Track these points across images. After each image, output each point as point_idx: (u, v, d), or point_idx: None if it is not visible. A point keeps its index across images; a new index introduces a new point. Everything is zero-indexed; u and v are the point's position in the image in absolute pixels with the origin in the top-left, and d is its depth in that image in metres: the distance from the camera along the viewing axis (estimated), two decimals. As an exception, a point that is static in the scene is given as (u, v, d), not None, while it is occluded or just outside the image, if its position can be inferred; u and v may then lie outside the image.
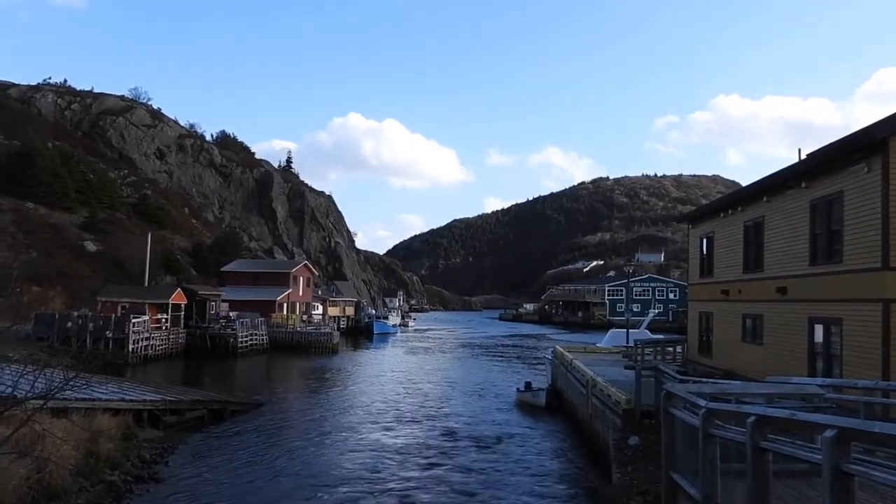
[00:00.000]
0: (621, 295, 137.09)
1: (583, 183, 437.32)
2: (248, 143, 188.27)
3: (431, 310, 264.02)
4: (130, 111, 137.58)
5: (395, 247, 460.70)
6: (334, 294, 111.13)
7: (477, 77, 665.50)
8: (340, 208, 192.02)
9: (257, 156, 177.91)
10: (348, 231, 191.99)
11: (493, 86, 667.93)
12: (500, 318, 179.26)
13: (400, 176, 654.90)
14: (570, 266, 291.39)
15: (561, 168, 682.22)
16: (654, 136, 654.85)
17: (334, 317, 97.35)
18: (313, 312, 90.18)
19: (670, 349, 32.22)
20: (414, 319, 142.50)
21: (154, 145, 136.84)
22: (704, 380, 15.72)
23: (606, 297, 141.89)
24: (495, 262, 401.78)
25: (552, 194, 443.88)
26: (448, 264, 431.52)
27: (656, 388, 18.45)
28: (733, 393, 10.40)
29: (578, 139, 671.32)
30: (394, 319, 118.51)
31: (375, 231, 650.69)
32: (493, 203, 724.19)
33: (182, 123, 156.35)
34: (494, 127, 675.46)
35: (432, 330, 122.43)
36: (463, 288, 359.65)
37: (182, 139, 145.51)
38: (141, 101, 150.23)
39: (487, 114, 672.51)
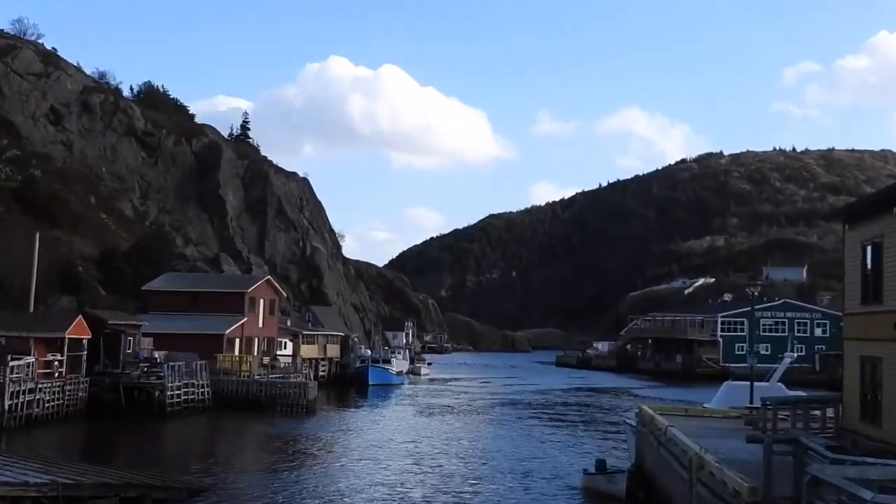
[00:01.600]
0: (742, 330, 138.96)
1: (683, 162, 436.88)
2: (184, 100, 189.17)
3: (455, 349, 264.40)
4: (11, 53, 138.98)
5: (402, 255, 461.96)
6: (311, 325, 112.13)
7: (517, 5, 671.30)
8: (320, 198, 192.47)
9: (198, 119, 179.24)
10: (332, 232, 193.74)
11: (541, 18, 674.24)
12: (558, 364, 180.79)
13: (405, 151, 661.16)
14: (664, 286, 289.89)
15: (645, 140, 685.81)
16: (786, 93, 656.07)
17: (310, 359, 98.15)
18: (279, 353, 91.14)
19: (817, 413, 32.33)
20: (429, 364, 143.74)
21: (46, 103, 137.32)
22: (870, 460, 15.58)
23: (719, 334, 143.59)
24: (550, 278, 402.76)
25: (636, 178, 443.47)
26: (480, 282, 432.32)
27: (796, 471, 18.51)
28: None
29: (670, 96, 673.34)
30: (399, 364, 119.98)
31: (371, 232, 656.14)
32: (546, 191, 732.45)
33: (88, 71, 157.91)
34: (545, 79, 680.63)
35: (457, 380, 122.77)
36: (502, 317, 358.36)
37: (87, 94, 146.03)
38: (28, 37, 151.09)
39: (534, 60, 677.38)
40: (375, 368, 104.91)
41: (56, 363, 57.75)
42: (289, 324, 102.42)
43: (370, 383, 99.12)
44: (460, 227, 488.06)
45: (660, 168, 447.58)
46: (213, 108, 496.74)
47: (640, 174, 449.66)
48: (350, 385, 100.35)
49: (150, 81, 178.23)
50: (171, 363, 64.47)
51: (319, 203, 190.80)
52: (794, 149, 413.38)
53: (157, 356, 68.54)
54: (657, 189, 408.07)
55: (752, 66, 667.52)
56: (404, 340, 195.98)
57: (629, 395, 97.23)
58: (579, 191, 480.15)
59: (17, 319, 59.44)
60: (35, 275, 67.65)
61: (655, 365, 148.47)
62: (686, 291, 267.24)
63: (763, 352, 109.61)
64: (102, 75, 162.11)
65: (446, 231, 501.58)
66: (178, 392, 62.82)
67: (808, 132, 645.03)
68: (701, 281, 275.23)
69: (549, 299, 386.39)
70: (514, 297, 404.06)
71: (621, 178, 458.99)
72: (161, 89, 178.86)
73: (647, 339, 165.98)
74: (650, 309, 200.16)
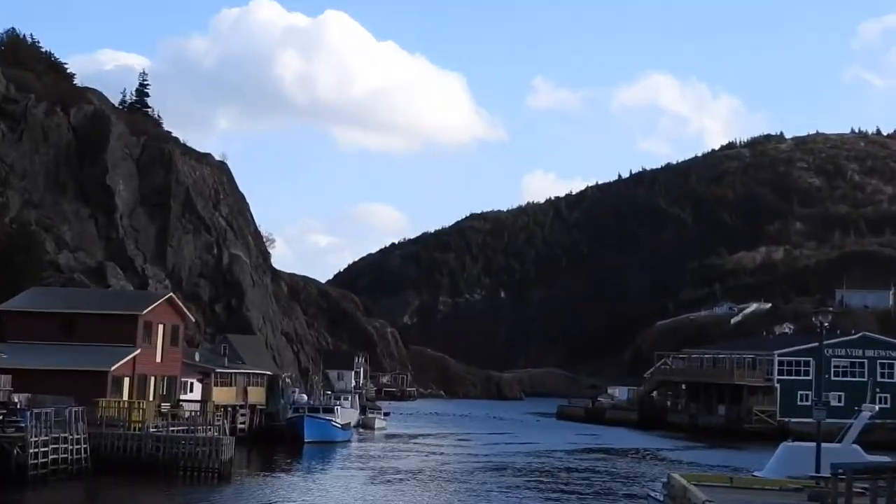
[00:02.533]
0: (807, 373, 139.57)
1: (730, 146, 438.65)
2: (59, 56, 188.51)
3: (423, 395, 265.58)
4: None
5: (352, 268, 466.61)
6: (227, 361, 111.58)
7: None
8: (243, 189, 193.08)
9: (78, 81, 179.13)
10: (258, 235, 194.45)
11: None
12: (560, 416, 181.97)
13: (356, 127, 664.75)
14: (704, 312, 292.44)
15: (678, 116, 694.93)
16: (862, 56, 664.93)
17: (225, 407, 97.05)
18: (183, 398, 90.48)
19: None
20: (386, 414, 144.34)
21: None
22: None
23: (776, 378, 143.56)
24: (551, 301, 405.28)
25: (667, 168, 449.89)
26: (457, 305, 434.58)
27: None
28: None
29: (710, 58, 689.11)
30: (346, 414, 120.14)
31: (311, 236, 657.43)
32: (546, 184, 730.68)
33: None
34: (543, 34, 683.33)
35: (425, 436, 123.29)
36: (486, 353, 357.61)
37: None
38: None
39: (529, 8, 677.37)
40: (314, 420, 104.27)
41: None
42: (197, 358, 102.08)
43: (306, 440, 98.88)
44: (431, 230, 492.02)
45: (699, 155, 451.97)
46: (99, 66, 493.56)
47: (673, 162, 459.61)
48: (279, 441, 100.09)
49: (14, 30, 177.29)
50: (37, 410, 63.22)
51: (242, 196, 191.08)
52: (878, 131, 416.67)
53: (16, 400, 67.50)
54: (695, 182, 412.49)
55: (820, 18, 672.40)
56: (353, 382, 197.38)
57: (655, 458, 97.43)
58: (590, 183, 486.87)
59: None
60: None
61: (690, 418, 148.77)
62: (733, 321, 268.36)
63: (835, 402, 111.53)
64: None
65: (412, 236, 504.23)
66: (45, 449, 61.58)
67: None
68: (753, 307, 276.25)
69: (550, 329, 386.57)
70: (503, 326, 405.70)
71: (647, 168, 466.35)
72: (29, 40, 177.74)
73: (680, 383, 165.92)
74: (684, 343, 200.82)
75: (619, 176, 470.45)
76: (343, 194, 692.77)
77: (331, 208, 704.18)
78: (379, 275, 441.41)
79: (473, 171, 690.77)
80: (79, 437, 65.52)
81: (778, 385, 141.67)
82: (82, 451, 65.52)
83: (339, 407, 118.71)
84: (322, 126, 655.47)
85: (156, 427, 73.48)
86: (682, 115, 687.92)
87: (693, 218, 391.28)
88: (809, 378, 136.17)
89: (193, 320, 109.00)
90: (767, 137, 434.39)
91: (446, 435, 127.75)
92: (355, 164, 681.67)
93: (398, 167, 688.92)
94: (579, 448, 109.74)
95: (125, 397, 77.79)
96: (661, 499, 41.04)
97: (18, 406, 65.95)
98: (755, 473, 46.43)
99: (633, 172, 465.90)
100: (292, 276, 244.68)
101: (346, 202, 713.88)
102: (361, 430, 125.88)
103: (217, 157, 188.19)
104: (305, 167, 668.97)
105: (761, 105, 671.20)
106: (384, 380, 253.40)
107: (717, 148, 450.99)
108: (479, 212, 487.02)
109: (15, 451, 60.36)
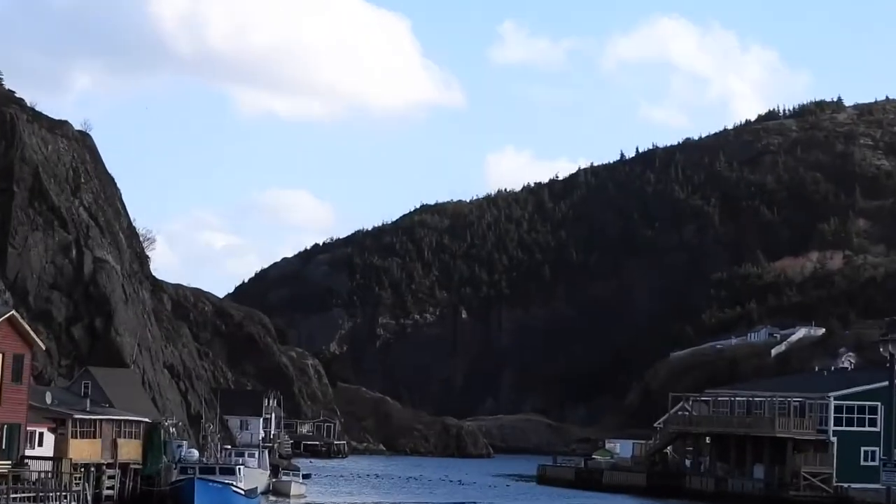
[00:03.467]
0: (873, 422, 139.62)
1: (769, 117, 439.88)
2: None
3: (356, 450, 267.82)
4: None
5: (260, 277, 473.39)
6: (88, 403, 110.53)
7: None
8: (111, 168, 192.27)
9: None
10: (132, 231, 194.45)
11: None
12: (542, 480, 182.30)
13: (260, 87, 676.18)
14: (735, 341, 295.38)
15: (695, 75, 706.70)
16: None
17: (87, 465, 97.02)
18: (29, 453, 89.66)
19: None
20: (307, 476, 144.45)
21: None
22: None
23: (832, 428, 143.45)
24: (530, 323, 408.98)
25: (685, 145, 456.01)
26: (403, 328, 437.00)
27: None
28: None
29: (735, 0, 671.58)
30: (252, 476, 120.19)
31: (202, 234, 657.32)
32: (518, 165, 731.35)
33: None
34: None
35: None
36: (441, 393, 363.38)
37: None
38: None
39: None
40: (207, 485, 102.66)
41: None
42: (49, 400, 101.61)
43: None
44: (367, 227, 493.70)
45: (727, 128, 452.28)
46: None
47: (693, 138, 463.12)
48: None
49: None
50: None
51: (111, 179, 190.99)
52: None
53: None
54: (723, 165, 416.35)
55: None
56: (262, 433, 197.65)
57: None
58: (582, 166, 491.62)
59: None
60: None
61: (717, 484, 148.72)
62: (774, 351, 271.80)
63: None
64: None
65: (341, 235, 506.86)
66: None
67: None
68: (800, 333, 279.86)
69: (528, 362, 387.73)
70: (465, 358, 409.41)
71: (657, 145, 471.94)
72: None
73: (704, 436, 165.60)
74: (709, 382, 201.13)
75: (622, 156, 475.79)
76: (246, 177, 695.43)
77: (230, 196, 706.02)
78: (297, 288, 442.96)
79: (422, 147, 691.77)
80: None
81: (834, 439, 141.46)
82: None
83: (242, 467, 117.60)
84: (216, 85, 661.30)
85: (-10, 496, 73.14)
86: (701, 75, 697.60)
87: (721, 213, 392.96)
88: (877, 429, 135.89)
89: (43, 348, 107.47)
90: (819, 105, 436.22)
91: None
92: (261, 135, 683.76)
93: (318, 141, 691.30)
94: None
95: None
96: None
97: None
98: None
99: (641, 151, 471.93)
100: (179, 288, 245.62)
101: (249, 188, 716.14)
102: (273, 497, 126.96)
103: (77, 127, 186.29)
104: (195, 140, 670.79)
105: (807, 61, 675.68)
106: (304, 429, 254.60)
107: (752, 119, 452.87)
108: (431, 202, 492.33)
109: None
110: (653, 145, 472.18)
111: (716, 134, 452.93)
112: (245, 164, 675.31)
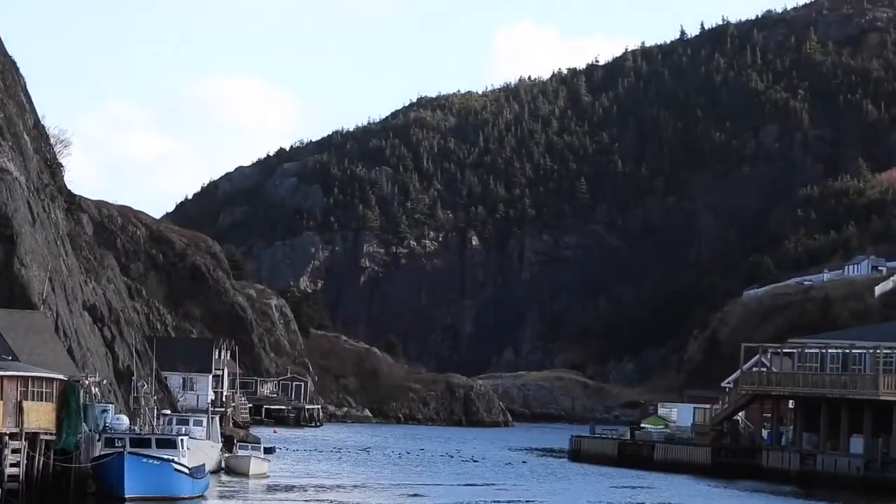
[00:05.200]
0: None
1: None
2: None
3: (334, 417, 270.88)
4: None
5: (208, 192, 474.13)
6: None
7: None
8: (12, 51, 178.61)
9: None
10: (41, 132, 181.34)
11: None
12: (575, 455, 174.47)
13: None
14: (829, 275, 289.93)
15: None
16: None
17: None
18: None
19: None
20: (269, 451, 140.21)
21: None
22: None
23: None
24: (558, 253, 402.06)
25: (763, 21, 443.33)
26: (395, 257, 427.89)
27: None
28: None
29: None
30: (199, 450, 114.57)
31: (131, 135, 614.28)
32: (539, 45, 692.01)
33: None
34: None
35: (340, 489, 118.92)
36: (444, 344, 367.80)
37: None
38: None
39: None
40: (140, 461, 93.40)
41: None
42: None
43: (127, 496, 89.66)
44: (348, 127, 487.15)
45: (809, 1, 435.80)
46: None
47: (775, 10, 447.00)
48: (80, 499, 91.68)
49: None
50: None
51: (12, 64, 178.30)
52: None
53: None
54: (814, 47, 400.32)
55: None
56: (211, 395, 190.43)
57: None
58: (630, 46, 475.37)
59: None
60: None
61: (804, 460, 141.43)
62: (878, 289, 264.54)
63: None
64: None
65: (314, 137, 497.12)
66: None
67: None
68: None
69: (557, 305, 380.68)
70: (476, 298, 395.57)
71: (729, 20, 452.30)
72: None
73: (786, 398, 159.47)
74: (794, 330, 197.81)
75: (682, 34, 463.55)
76: (186, 59, 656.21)
77: (165, 85, 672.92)
78: (255, 206, 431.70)
79: (417, 20, 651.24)
80: None
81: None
82: None
83: (185, 438, 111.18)
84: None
85: None
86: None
87: (810, 108, 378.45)
88: None
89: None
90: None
91: (376, 488, 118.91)
92: (197, 5, 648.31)
93: (279, 9, 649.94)
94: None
95: None
96: None
97: None
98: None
99: (707, 28, 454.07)
100: (103, 205, 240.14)
101: (191, 74, 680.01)
102: (226, 477, 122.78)
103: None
104: (117, 5, 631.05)
105: None
106: (266, 390, 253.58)
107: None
108: (433, 94, 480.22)
109: None
110: (723, 20, 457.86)
111: (805, 5, 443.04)
112: (183, 40, 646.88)
